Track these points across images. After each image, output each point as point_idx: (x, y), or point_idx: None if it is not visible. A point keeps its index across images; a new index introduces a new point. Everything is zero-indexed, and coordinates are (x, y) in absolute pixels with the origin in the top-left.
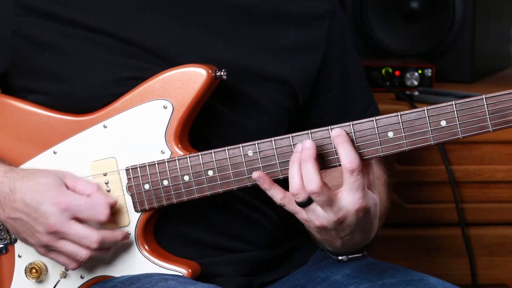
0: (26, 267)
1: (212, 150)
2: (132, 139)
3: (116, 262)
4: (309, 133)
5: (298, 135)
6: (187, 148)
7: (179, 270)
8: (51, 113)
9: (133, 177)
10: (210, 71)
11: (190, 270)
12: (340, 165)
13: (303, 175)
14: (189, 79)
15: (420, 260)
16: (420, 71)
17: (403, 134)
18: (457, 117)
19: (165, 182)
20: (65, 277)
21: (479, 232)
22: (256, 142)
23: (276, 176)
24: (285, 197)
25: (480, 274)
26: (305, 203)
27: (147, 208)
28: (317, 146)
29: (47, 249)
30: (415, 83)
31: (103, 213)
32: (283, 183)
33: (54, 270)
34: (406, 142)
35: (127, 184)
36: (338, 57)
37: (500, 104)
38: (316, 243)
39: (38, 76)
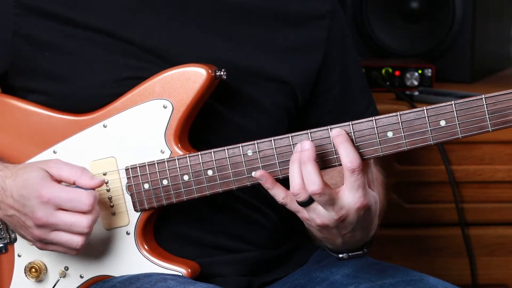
0: (25, 267)
1: (212, 150)
2: (131, 138)
3: (116, 262)
4: (309, 133)
5: (298, 134)
6: (186, 147)
7: (179, 270)
8: (51, 113)
9: (132, 177)
10: (210, 70)
11: (189, 270)
12: (340, 165)
13: (304, 176)
14: (189, 79)
15: (420, 260)
16: (420, 71)
17: (403, 134)
18: (457, 117)
19: (165, 182)
20: (64, 276)
21: (479, 232)
22: (255, 142)
23: (275, 176)
24: (286, 197)
25: (480, 274)
26: (306, 203)
27: (147, 208)
28: (316, 146)
29: (43, 243)
30: (415, 83)
31: (85, 203)
32: (283, 182)
33: (53, 270)
34: (405, 142)
35: (126, 183)
36: (338, 57)
37: (499, 104)
38: (316, 242)
39: (38, 76)
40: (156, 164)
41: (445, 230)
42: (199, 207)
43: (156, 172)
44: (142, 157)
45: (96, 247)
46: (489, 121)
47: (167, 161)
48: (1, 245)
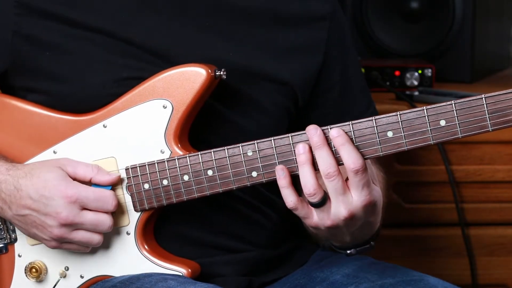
0: (26, 267)
1: (212, 150)
2: (131, 138)
3: (116, 262)
4: None
5: (298, 134)
6: (186, 147)
7: (179, 270)
8: (51, 113)
9: (132, 177)
10: (209, 70)
11: (190, 270)
12: (342, 164)
13: (319, 161)
14: (188, 79)
15: (420, 260)
16: (420, 71)
17: (403, 134)
18: (457, 116)
19: (165, 182)
20: (64, 276)
21: (479, 232)
22: (255, 141)
23: (275, 176)
24: (298, 201)
25: (480, 274)
26: (320, 203)
27: (147, 208)
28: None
29: (59, 242)
30: (415, 83)
31: (111, 204)
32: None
33: (54, 270)
34: (405, 141)
35: (126, 183)
36: (338, 58)
37: (499, 103)
38: (320, 242)
39: (38, 75)
40: (156, 164)
41: (445, 230)
42: (199, 207)
43: (156, 172)
44: (142, 157)
45: (96, 247)
46: (489, 120)
47: (167, 161)
48: (2, 245)
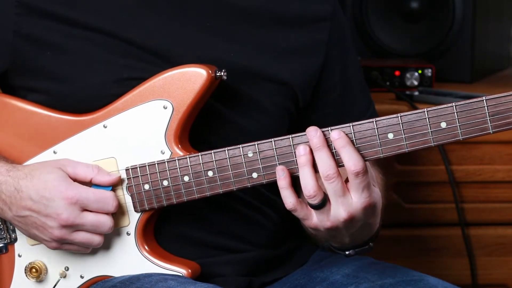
0: (26, 267)
1: (212, 151)
2: (132, 139)
3: (116, 262)
4: None
5: (298, 136)
6: (187, 148)
7: (179, 270)
8: (51, 113)
9: (133, 177)
10: (210, 71)
11: (190, 270)
12: (342, 165)
13: (319, 162)
14: (189, 79)
15: (420, 260)
16: (420, 71)
17: (403, 136)
18: (457, 118)
19: (165, 183)
20: (65, 276)
21: (479, 232)
22: (256, 142)
23: (276, 177)
24: (297, 202)
25: (480, 274)
26: (320, 205)
27: (147, 208)
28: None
29: (60, 243)
30: (415, 83)
31: (111, 205)
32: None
33: (54, 270)
34: (406, 143)
35: (127, 184)
36: (338, 58)
37: (500, 105)
38: (319, 243)
39: (39, 75)
40: (156, 164)
41: (445, 230)
42: (199, 208)
43: (157, 172)
44: (142, 158)
45: (97, 248)
46: (490, 123)
47: (167, 161)
48: (2, 245)
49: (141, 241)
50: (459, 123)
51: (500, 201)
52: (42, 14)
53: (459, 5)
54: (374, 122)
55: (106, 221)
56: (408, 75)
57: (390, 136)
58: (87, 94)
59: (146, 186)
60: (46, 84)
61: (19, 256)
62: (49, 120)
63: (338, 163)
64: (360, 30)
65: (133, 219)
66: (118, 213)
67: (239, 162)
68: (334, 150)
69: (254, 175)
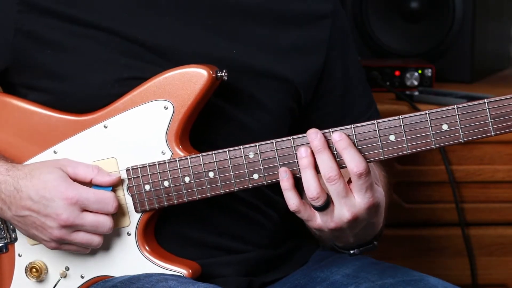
0: (26, 267)
1: (213, 151)
2: (132, 139)
3: (117, 262)
4: None
5: (299, 137)
6: (188, 148)
7: (179, 270)
8: (52, 113)
9: (133, 178)
10: (211, 71)
11: (190, 271)
12: (345, 167)
13: (320, 164)
14: (190, 80)
15: (420, 260)
16: (420, 71)
17: (405, 138)
18: (459, 121)
19: (166, 183)
20: (65, 276)
21: (479, 232)
22: (257, 144)
23: (277, 178)
24: (300, 204)
25: (480, 274)
26: (323, 207)
27: (148, 209)
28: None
29: (59, 243)
30: (415, 83)
31: (111, 206)
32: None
33: (54, 270)
34: (407, 145)
35: (127, 184)
36: (340, 57)
37: (502, 108)
38: (322, 243)
39: (39, 74)
40: (157, 165)
41: (445, 230)
42: (199, 208)
43: (157, 173)
44: (143, 158)
45: (97, 248)
46: (492, 125)
47: (168, 162)
48: (2, 244)
49: (142, 241)
50: (460, 125)
51: (500, 201)
52: (43, 12)
53: (459, 5)
54: (376, 124)
55: (105, 222)
56: (408, 75)
57: (392, 138)
58: (87, 93)
59: (147, 187)
60: (46, 82)
61: (19, 255)
62: (49, 120)
63: (340, 165)
64: (360, 30)
65: (133, 219)
66: (119, 214)
67: (240, 163)
68: (335, 152)
69: (255, 176)
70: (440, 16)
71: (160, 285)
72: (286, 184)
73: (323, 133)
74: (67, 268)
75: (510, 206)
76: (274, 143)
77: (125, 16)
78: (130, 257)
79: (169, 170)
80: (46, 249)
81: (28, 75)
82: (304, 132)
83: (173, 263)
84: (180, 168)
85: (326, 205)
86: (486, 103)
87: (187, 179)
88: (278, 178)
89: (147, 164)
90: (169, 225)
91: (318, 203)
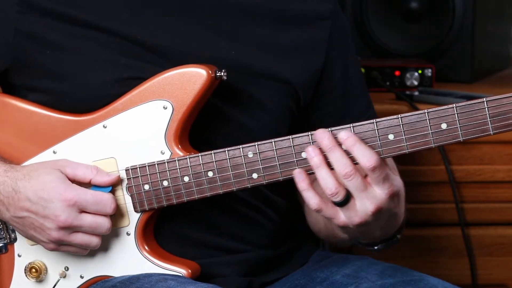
0: (25, 267)
1: (212, 151)
2: (132, 139)
3: (116, 262)
4: (309, 135)
5: (298, 136)
6: (187, 148)
7: (179, 270)
8: (51, 113)
9: (132, 178)
10: (210, 71)
11: (190, 271)
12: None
13: (334, 163)
14: (189, 80)
15: (420, 260)
16: (420, 71)
17: (404, 137)
18: (458, 120)
19: (165, 183)
20: (64, 277)
21: (479, 232)
22: (256, 143)
23: (276, 178)
24: (321, 202)
25: (480, 274)
26: (344, 201)
27: (147, 209)
28: (319, 148)
29: (57, 244)
30: (415, 83)
31: (109, 207)
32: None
33: (53, 270)
34: (406, 144)
35: (126, 184)
36: (340, 57)
37: (501, 107)
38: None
39: (39, 74)
40: (156, 165)
41: (445, 230)
42: (199, 208)
43: (156, 173)
44: (142, 158)
45: (96, 248)
46: (491, 124)
47: (167, 162)
48: (1, 245)
49: (141, 241)
50: (459, 124)
51: (500, 201)
52: (43, 12)
53: (459, 5)
54: (375, 123)
55: (104, 223)
56: (408, 75)
57: (391, 137)
58: (87, 93)
59: (146, 187)
60: (46, 82)
61: (19, 256)
62: (49, 120)
63: (353, 161)
64: (360, 30)
65: (133, 219)
66: (118, 214)
67: (239, 162)
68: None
69: (254, 175)
70: (440, 16)
71: (159, 285)
72: (303, 185)
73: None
74: (67, 268)
75: (510, 206)
76: (273, 142)
77: (125, 16)
78: (130, 257)
79: (168, 170)
80: (46, 249)
81: (28, 75)
82: (304, 132)
83: (173, 263)
84: (179, 168)
85: (347, 200)
86: (485, 102)
87: (186, 179)
88: (277, 178)
89: (146, 164)
90: (169, 225)
91: (338, 198)
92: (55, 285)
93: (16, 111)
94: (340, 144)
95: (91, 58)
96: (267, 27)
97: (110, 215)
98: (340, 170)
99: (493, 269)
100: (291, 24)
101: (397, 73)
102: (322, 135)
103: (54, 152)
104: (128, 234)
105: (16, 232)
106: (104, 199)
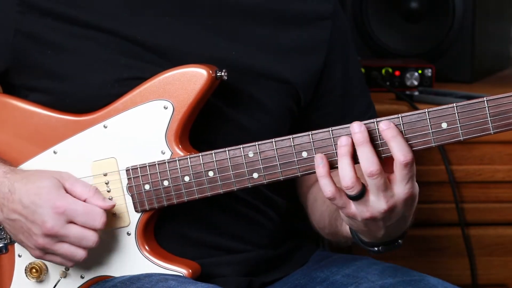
0: (26, 267)
1: (213, 151)
2: (132, 139)
3: (116, 262)
4: (310, 134)
5: (299, 136)
6: (187, 148)
7: (179, 270)
8: (52, 113)
9: (133, 178)
10: (210, 71)
11: (190, 270)
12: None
13: (361, 158)
14: (189, 80)
15: (420, 260)
16: (420, 71)
17: (404, 136)
18: (458, 119)
19: (166, 183)
20: (65, 277)
21: (479, 232)
22: (256, 143)
23: (276, 177)
24: (336, 191)
25: (480, 274)
26: (359, 196)
27: (147, 209)
28: (318, 148)
29: (43, 252)
30: (415, 83)
31: (98, 221)
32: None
33: (54, 270)
34: None
35: (127, 184)
36: (340, 57)
37: (501, 106)
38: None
39: (39, 74)
40: (156, 165)
41: (445, 230)
42: (199, 208)
43: (157, 173)
44: (142, 158)
45: (97, 248)
46: (491, 123)
47: (167, 162)
48: (2, 245)
49: (142, 241)
50: (460, 123)
51: (500, 201)
52: (43, 13)
53: (459, 5)
54: (375, 122)
55: (90, 236)
56: (408, 75)
57: None
58: (87, 93)
59: (147, 186)
60: (46, 82)
61: (19, 256)
62: (49, 120)
63: (384, 153)
64: (360, 30)
65: (133, 219)
66: (118, 214)
67: (240, 162)
68: (379, 142)
69: (255, 175)
70: (440, 16)
71: (160, 285)
72: (322, 170)
73: (323, 132)
74: (67, 269)
75: (510, 206)
76: (273, 142)
77: (125, 16)
78: (130, 257)
79: (169, 170)
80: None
81: (28, 75)
82: (304, 131)
83: (173, 263)
84: (179, 168)
85: (361, 195)
86: (485, 101)
87: (186, 178)
88: (278, 177)
89: (147, 164)
90: (169, 225)
91: (353, 192)
92: (55, 285)
93: (16, 111)
94: (372, 141)
95: (91, 58)
96: (267, 27)
97: (111, 214)
98: (366, 167)
99: (493, 269)
100: (291, 24)
101: (397, 73)
102: (357, 128)
103: (55, 152)
104: (128, 234)
105: None
106: (94, 212)
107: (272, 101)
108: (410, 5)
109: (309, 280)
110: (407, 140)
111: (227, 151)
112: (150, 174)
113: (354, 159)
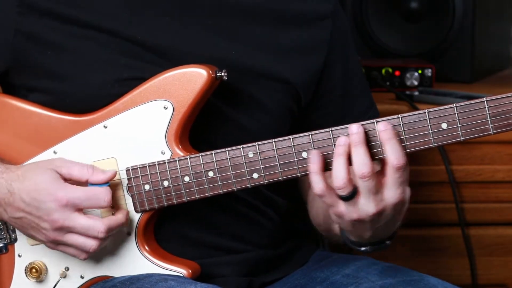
0: (26, 267)
1: (213, 151)
2: (132, 139)
3: (116, 263)
4: (310, 135)
5: (299, 136)
6: (187, 148)
7: (179, 270)
8: (52, 113)
9: (133, 178)
10: (210, 71)
11: (190, 271)
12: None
13: (355, 159)
14: (189, 80)
15: (420, 260)
16: (420, 71)
17: (404, 137)
18: (458, 119)
19: (166, 183)
20: (65, 277)
21: (479, 232)
22: (256, 143)
23: (276, 178)
24: (326, 189)
25: (480, 274)
26: (349, 197)
27: (147, 209)
28: (318, 148)
29: (55, 244)
30: (415, 83)
31: (103, 200)
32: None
33: (54, 270)
34: (406, 144)
35: (127, 184)
36: (340, 57)
37: (501, 106)
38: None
39: (39, 74)
40: (156, 165)
41: (445, 230)
42: (199, 208)
43: (157, 173)
44: (142, 158)
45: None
46: (491, 124)
47: (167, 162)
48: (2, 245)
49: (142, 241)
50: (460, 124)
51: (500, 201)
52: (43, 13)
53: (459, 5)
54: (375, 123)
55: (97, 225)
56: (408, 75)
57: None
58: (87, 93)
59: (147, 187)
60: (46, 83)
61: (19, 256)
62: (49, 120)
63: (378, 155)
64: (360, 30)
65: (133, 219)
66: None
67: (240, 162)
68: (378, 142)
69: (255, 175)
70: (440, 16)
71: (159, 285)
72: (314, 167)
73: (323, 132)
74: (67, 269)
75: (510, 206)
76: (273, 142)
77: (125, 16)
78: (130, 257)
79: (169, 170)
80: (46, 250)
81: (28, 75)
82: (304, 132)
83: (173, 263)
84: (179, 168)
85: (351, 196)
86: (485, 102)
87: (186, 179)
88: (278, 178)
89: (147, 164)
90: (169, 225)
91: (344, 193)
92: (55, 285)
93: (16, 111)
94: (371, 141)
95: (91, 58)
96: (267, 27)
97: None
98: (358, 168)
99: (493, 269)
100: (291, 24)
101: (397, 73)
102: (354, 129)
103: (55, 153)
104: (128, 234)
105: (17, 232)
106: (96, 193)
107: (272, 101)
108: (410, 5)
109: (309, 280)
110: (407, 140)
111: (227, 151)
112: (150, 174)
113: (350, 160)
